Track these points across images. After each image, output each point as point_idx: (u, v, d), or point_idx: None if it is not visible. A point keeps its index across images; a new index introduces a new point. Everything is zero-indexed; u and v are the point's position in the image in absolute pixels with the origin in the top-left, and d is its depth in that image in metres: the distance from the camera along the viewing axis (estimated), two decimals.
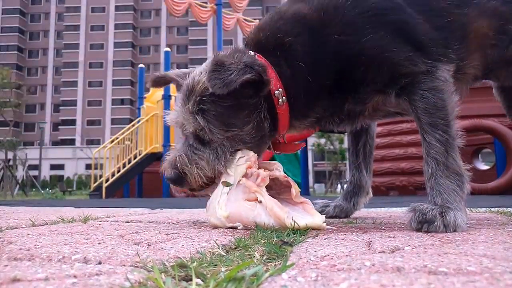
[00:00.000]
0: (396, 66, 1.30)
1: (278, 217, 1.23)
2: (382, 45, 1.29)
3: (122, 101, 63.46)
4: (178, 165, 1.37)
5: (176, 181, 1.39)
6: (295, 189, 1.34)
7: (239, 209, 1.29)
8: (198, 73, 1.38)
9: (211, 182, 1.40)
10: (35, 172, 32.79)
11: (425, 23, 1.34)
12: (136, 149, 10.99)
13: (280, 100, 1.35)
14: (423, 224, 1.15)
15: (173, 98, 10.71)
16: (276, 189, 1.38)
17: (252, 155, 1.36)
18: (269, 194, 1.30)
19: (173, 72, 1.54)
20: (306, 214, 1.28)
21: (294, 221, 1.22)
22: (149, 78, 1.57)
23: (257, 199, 1.28)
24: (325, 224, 1.28)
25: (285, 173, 1.42)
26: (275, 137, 1.49)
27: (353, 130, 1.75)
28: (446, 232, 1.12)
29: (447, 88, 1.31)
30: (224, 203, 1.31)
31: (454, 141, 1.28)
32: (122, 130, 11.45)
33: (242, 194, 1.31)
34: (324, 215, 1.71)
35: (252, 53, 1.35)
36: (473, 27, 1.42)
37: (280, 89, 1.35)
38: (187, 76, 1.42)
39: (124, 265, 0.74)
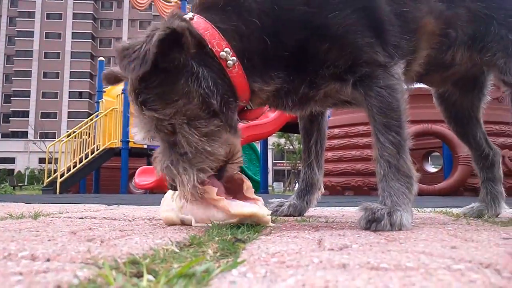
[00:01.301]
0: (358, 51, 1.28)
1: (223, 207, 1.24)
2: (347, 25, 1.26)
3: (80, 94, 61.14)
4: (168, 179, 1.25)
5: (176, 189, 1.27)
6: (245, 184, 1.35)
7: (192, 203, 1.28)
8: None
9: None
10: None
11: (388, 6, 1.35)
12: (94, 144, 10.65)
13: (228, 61, 1.22)
14: (372, 223, 1.20)
15: None
16: (231, 189, 1.39)
17: None
18: (229, 194, 1.31)
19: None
20: (254, 205, 1.29)
21: (239, 210, 1.23)
22: (104, 76, 1.45)
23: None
24: (269, 217, 1.29)
25: (246, 171, 1.44)
26: (241, 105, 1.35)
27: (306, 127, 1.77)
28: (392, 230, 1.18)
29: (400, 87, 1.34)
30: (179, 196, 1.30)
31: (405, 142, 1.31)
32: (80, 124, 11.06)
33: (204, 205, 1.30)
34: (279, 214, 1.76)
35: (189, 15, 1.26)
36: (423, 22, 1.46)
37: (227, 49, 1.22)
38: None
39: (74, 262, 0.73)
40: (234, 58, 1.23)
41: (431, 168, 7.57)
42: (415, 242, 0.94)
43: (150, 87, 1.18)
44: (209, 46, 1.22)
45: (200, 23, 1.24)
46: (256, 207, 1.27)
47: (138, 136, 1.28)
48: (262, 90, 1.32)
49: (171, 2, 12.82)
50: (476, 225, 1.40)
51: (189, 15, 1.27)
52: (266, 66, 1.29)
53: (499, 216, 1.80)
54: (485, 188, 1.82)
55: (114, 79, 1.46)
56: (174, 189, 1.27)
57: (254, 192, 1.37)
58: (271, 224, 1.31)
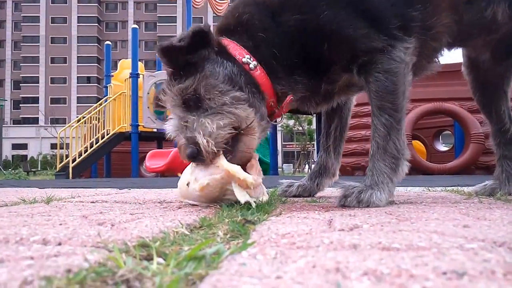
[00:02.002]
0: (354, 42, 1.34)
1: (228, 171, 1.29)
2: (338, 21, 1.33)
3: (88, 79, 61.30)
4: (189, 135, 1.32)
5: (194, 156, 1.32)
6: (251, 163, 1.42)
7: (201, 171, 1.35)
8: None
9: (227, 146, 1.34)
10: None
11: None
12: (104, 128, 10.72)
13: (250, 65, 1.38)
14: (341, 199, 1.30)
15: (141, 76, 10.45)
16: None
17: None
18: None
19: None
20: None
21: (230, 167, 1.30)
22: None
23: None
24: (251, 181, 1.32)
25: (255, 153, 1.45)
26: (270, 105, 1.46)
27: (329, 111, 1.78)
28: (358, 207, 1.27)
29: (401, 70, 1.35)
30: (189, 172, 1.39)
31: (399, 124, 1.35)
32: (89, 109, 11.12)
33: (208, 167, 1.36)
34: (288, 195, 1.76)
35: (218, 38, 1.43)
36: None
37: (247, 55, 1.39)
38: None
39: (85, 246, 0.73)
40: (255, 62, 1.39)
41: (442, 147, 7.50)
42: (426, 222, 0.93)
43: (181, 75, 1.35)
44: (232, 55, 1.39)
45: (221, 39, 1.43)
46: (245, 174, 1.32)
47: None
48: (287, 87, 1.45)
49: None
50: (488, 204, 1.38)
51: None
52: (284, 72, 1.42)
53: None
54: (501, 165, 1.77)
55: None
56: (192, 157, 1.32)
57: (264, 174, 1.43)
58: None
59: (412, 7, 1.37)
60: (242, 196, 1.29)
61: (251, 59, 1.39)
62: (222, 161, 1.31)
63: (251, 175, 1.34)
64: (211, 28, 1.41)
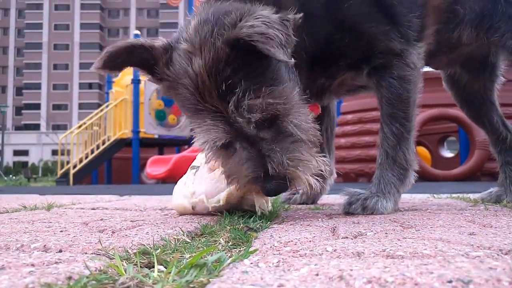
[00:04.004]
0: (374, 40, 1.29)
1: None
2: (362, 14, 1.28)
3: (90, 85, 61.52)
4: (276, 170, 1.03)
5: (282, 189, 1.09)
6: None
7: (204, 185, 1.32)
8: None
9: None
10: None
11: None
12: (105, 134, 10.73)
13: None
14: (346, 206, 1.28)
15: (142, 82, 10.49)
16: None
17: None
18: None
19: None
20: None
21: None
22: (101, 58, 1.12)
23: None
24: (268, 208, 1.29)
25: None
26: None
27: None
28: (363, 214, 1.25)
29: (414, 77, 1.34)
30: (191, 182, 1.34)
31: (409, 134, 1.33)
32: (90, 115, 11.13)
33: (206, 170, 1.33)
34: (292, 203, 1.75)
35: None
36: None
37: None
38: None
39: (85, 253, 0.72)
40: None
41: (447, 153, 7.48)
42: (432, 229, 0.92)
43: (249, 76, 1.03)
44: None
45: None
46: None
47: (201, 143, 1.12)
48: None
49: None
50: (494, 211, 1.37)
51: None
52: (303, 67, 1.23)
53: None
54: (504, 172, 1.77)
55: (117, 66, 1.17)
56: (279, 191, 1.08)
57: None
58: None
59: (415, 10, 1.36)
60: (262, 205, 1.25)
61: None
62: None
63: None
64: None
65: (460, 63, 1.73)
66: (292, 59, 0.99)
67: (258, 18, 1.00)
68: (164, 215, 1.38)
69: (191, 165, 1.38)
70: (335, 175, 1.81)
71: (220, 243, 0.82)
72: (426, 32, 1.44)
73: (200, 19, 1.08)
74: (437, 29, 1.48)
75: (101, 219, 1.23)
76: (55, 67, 61.47)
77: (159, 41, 1.12)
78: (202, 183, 1.32)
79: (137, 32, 11.48)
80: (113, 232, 0.96)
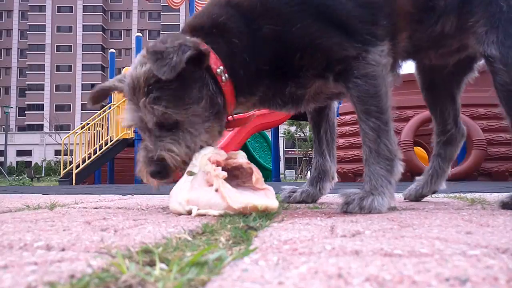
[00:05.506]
0: (329, 52, 1.35)
1: (225, 198, 1.24)
2: (311, 33, 1.34)
3: (92, 86, 61.12)
4: (152, 155, 1.34)
5: (160, 172, 1.35)
6: (255, 176, 1.35)
7: (198, 194, 1.31)
8: (134, 68, 1.38)
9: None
10: (0, 158, 31.60)
11: (349, 1, 1.37)
12: (107, 135, 10.77)
13: (223, 77, 1.38)
14: (343, 206, 1.31)
15: None
16: (241, 177, 1.40)
17: (215, 148, 1.39)
18: (235, 183, 1.33)
19: (114, 79, 1.56)
20: (264, 198, 1.30)
21: (251, 202, 1.24)
22: (89, 96, 1.58)
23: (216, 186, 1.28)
24: (276, 206, 1.28)
25: (257, 160, 1.44)
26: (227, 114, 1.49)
27: (314, 119, 1.79)
28: (361, 213, 1.27)
29: (379, 72, 1.36)
30: (186, 189, 1.33)
31: (387, 126, 1.35)
32: (93, 116, 11.18)
33: (204, 181, 1.32)
34: (291, 201, 1.76)
35: (186, 36, 1.37)
36: (396, 3, 1.43)
37: (221, 67, 1.37)
38: (123, 79, 1.45)
39: (88, 252, 0.73)
40: (227, 75, 1.38)
41: None
42: (429, 228, 0.93)
43: (165, 87, 1.31)
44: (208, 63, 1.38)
45: (199, 43, 1.38)
46: (258, 198, 1.26)
47: (126, 122, 1.43)
48: (248, 101, 1.49)
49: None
50: (491, 210, 1.37)
51: (180, 35, 1.40)
52: (249, 80, 1.42)
53: (435, 193, 1.83)
54: (432, 162, 1.85)
55: (103, 95, 1.62)
56: (157, 175, 1.36)
57: (266, 180, 1.38)
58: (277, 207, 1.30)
59: (379, 15, 1.39)
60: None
61: (224, 71, 1.38)
62: (226, 194, 1.24)
63: (264, 189, 1.32)
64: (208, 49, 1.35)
65: (451, 58, 1.71)
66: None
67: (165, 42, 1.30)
68: (166, 214, 1.39)
69: (187, 170, 1.36)
70: (336, 179, 1.82)
71: (220, 241, 0.82)
72: (399, 35, 1.46)
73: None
74: (414, 28, 1.49)
75: (104, 218, 1.24)
76: (58, 68, 61.64)
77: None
78: (197, 193, 1.31)
79: (139, 34, 11.52)
80: (115, 231, 0.97)
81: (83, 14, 62.48)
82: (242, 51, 1.38)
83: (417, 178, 1.87)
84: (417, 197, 1.85)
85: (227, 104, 1.42)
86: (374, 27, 1.37)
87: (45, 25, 61.54)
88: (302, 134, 35.82)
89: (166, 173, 1.36)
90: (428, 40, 1.56)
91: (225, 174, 1.29)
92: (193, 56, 1.28)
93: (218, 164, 1.33)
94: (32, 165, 45.50)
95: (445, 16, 1.50)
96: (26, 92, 61.14)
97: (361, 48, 1.35)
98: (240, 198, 1.24)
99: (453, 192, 2.44)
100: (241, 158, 1.40)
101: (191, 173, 1.35)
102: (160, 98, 1.32)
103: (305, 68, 1.39)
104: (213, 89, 1.37)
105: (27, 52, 61.78)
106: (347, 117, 7.12)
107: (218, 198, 1.26)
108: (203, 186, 1.31)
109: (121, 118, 1.44)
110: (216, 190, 1.27)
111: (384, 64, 1.38)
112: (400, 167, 1.36)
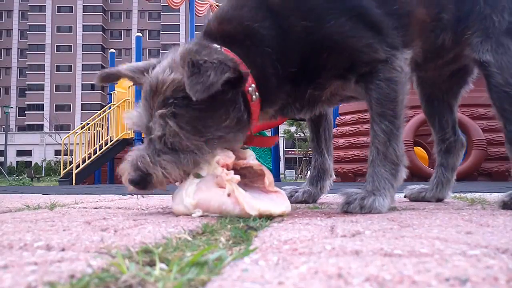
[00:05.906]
0: (357, 53, 1.35)
1: (241, 203, 1.20)
2: (343, 32, 1.34)
3: (92, 86, 61.61)
4: (140, 165, 1.26)
5: (139, 183, 1.27)
6: (268, 179, 1.33)
7: (209, 197, 1.25)
8: (162, 70, 1.27)
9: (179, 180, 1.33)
10: (0, 158, 31.60)
11: (379, 8, 1.38)
12: (107, 135, 10.77)
13: (253, 96, 1.32)
14: (344, 206, 1.30)
15: None
16: (249, 177, 1.38)
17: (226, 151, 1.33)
18: (242, 182, 1.28)
19: (127, 67, 1.43)
20: (277, 203, 1.27)
21: (266, 209, 1.21)
22: (98, 74, 1.43)
23: (229, 190, 1.24)
24: (288, 209, 1.28)
25: (257, 159, 1.43)
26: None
27: (313, 118, 1.80)
28: (361, 213, 1.27)
29: (401, 79, 1.38)
30: (193, 192, 1.27)
31: (398, 131, 1.37)
32: (93, 116, 11.18)
33: (213, 183, 1.28)
34: (293, 201, 1.76)
35: (218, 47, 1.29)
36: (415, 14, 1.47)
37: (253, 85, 1.32)
38: (146, 73, 1.32)
39: (88, 252, 0.73)
40: (257, 93, 1.33)
41: None
42: (429, 228, 0.93)
43: (191, 106, 1.22)
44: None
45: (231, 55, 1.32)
46: (274, 205, 1.24)
47: (131, 126, 1.36)
48: (266, 114, 1.47)
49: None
50: (491, 210, 1.37)
51: (217, 47, 1.30)
52: (276, 89, 1.38)
53: (442, 200, 1.84)
54: (436, 172, 1.87)
55: (112, 78, 1.46)
56: (135, 184, 1.28)
57: None
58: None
59: (403, 23, 1.42)
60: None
61: (255, 89, 1.32)
62: (242, 199, 1.20)
63: (276, 192, 1.31)
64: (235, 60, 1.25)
65: (448, 69, 1.77)
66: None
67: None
68: (166, 214, 1.39)
69: (193, 172, 1.31)
70: (334, 176, 1.84)
71: (221, 241, 0.82)
72: (415, 44, 1.49)
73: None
74: (425, 38, 1.53)
75: (104, 218, 1.24)
76: (58, 68, 61.64)
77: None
78: (207, 196, 1.26)
79: (139, 34, 11.52)
80: (115, 231, 0.97)
81: (83, 14, 62.46)
82: (274, 60, 1.33)
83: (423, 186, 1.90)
84: (418, 199, 1.86)
85: (251, 121, 1.36)
86: (400, 34, 1.40)
87: (45, 25, 61.53)
88: (302, 134, 35.84)
89: (144, 186, 1.28)
90: (432, 51, 1.60)
91: (238, 178, 1.24)
92: (231, 78, 1.19)
93: (227, 167, 1.28)
94: (32, 165, 45.49)
95: (445, 31, 1.57)
96: (26, 92, 61.13)
97: (390, 52, 1.36)
98: (256, 205, 1.20)
99: (453, 192, 2.44)
100: (251, 158, 1.38)
101: (197, 176, 1.30)
102: (179, 116, 1.22)
103: (328, 68, 1.38)
104: (241, 109, 1.30)
105: (27, 52, 61.77)
106: (347, 117, 7.12)
107: (231, 203, 1.22)
108: (212, 189, 1.27)
109: (126, 117, 1.35)
110: (229, 195, 1.23)
111: (406, 72, 1.40)
112: (404, 174, 1.37)
